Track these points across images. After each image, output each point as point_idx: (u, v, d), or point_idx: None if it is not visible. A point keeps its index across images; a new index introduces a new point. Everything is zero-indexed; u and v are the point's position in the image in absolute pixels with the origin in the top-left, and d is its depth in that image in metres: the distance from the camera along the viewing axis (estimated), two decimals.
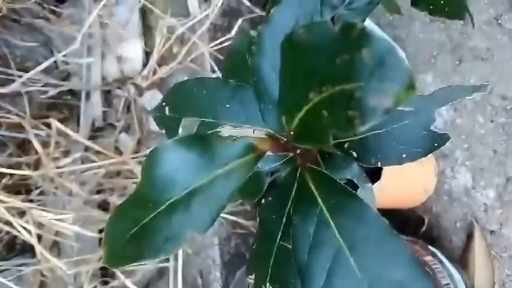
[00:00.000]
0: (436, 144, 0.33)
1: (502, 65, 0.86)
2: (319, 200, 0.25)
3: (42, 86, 0.91)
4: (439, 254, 0.72)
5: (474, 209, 0.82)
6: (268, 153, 0.26)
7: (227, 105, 0.35)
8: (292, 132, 0.22)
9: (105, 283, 0.77)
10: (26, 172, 0.71)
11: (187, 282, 0.82)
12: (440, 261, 0.73)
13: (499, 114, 0.84)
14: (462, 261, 0.78)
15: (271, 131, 0.27)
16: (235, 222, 0.84)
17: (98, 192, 0.88)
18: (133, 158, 0.84)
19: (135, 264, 0.22)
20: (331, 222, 0.25)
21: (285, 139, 0.26)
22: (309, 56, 0.19)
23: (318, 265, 0.25)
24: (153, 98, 0.97)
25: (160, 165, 0.23)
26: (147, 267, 0.81)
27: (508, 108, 0.84)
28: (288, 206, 0.30)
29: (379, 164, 0.34)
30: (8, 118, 0.82)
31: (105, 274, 0.80)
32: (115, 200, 0.84)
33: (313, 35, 0.18)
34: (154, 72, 0.96)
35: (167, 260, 0.80)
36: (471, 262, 0.76)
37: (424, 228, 0.83)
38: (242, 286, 0.72)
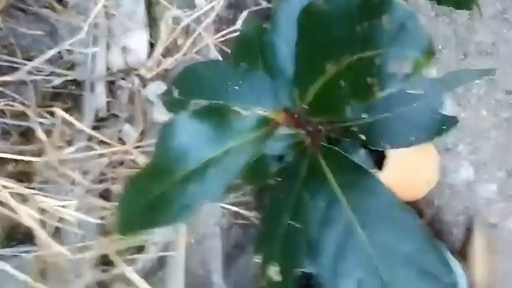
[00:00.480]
0: (444, 127, 0.33)
1: (507, 59, 0.86)
2: (330, 177, 0.26)
3: (46, 76, 0.91)
4: (440, 246, 0.72)
5: (475, 203, 0.82)
6: (280, 129, 0.26)
7: (236, 88, 0.35)
8: (306, 106, 0.23)
9: (106, 271, 0.78)
10: (30, 158, 0.71)
11: (189, 272, 0.82)
12: None
13: (503, 108, 0.84)
14: (463, 253, 0.78)
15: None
16: (237, 213, 0.84)
17: (101, 182, 0.88)
18: (136, 147, 0.84)
19: (146, 229, 0.22)
20: (343, 198, 0.25)
21: (298, 115, 0.26)
22: (327, 26, 0.19)
23: (329, 240, 0.25)
24: (157, 89, 0.97)
25: (176, 136, 0.23)
26: (148, 256, 0.81)
27: None
28: (298, 185, 0.30)
29: (388, 146, 0.34)
30: (12, 106, 0.82)
31: (106, 262, 0.80)
32: (117, 190, 0.84)
33: (332, 4, 0.18)
34: (159, 64, 0.96)
35: (168, 250, 0.80)
36: (472, 254, 0.77)
37: (425, 221, 0.83)
38: (243, 274, 0.72)
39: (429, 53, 0.16)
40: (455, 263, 0.73)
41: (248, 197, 0.88)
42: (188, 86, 0.38)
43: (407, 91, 0.34)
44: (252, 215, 0.86)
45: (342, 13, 0.18)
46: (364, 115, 0.36)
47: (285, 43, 0.27)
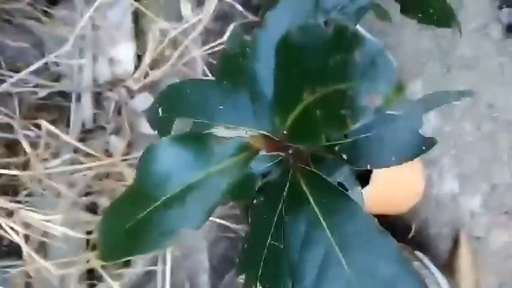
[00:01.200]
0: (423, 148, 0.34)
1: (488, 73, 0.88)
2: (311, 200, 0.26)
3: (32, 87, 0.91)
4: (426, 259, 0.73)
5: (461, 216, 0.83)
6: (261, 153, 0.26)
7: (220, 107, 0.36)
8: (285, 132, 0.23)
9: (92, 286, 0.77)
10: (15, 172, 0.70)
11: (175, 286, 0.81)
12: (427, 267, 0.74)
13: (486, 122, 0.85)
14: (448, 266, 0.79)
15: (265, 132, 0.28)
16: (225, 226, 0.84)
17: (87, 194, 0.87)
18: (123, 160, 0.83)
19: (129, 257, 0.22)
20: (323, 222, 0.25)
21: (278, 139, 0.26)
22: (302, 56, 0.19)
23: (309, 263, 0.25)
24: (144, 101, 0.97)
25: (156, 161, 0.23)
26: (134, 270, 0.80)
27: (494, 116, 0.85)
28: (280, 206, 0.30)
29: (369, 166, 0.35)
30: None
31: (91, 277, 0.79)
32: (104, 203, 0.84)
33: (307, 36, 0.19)
34: (146, 75, 0.96)
35: (155, 263, 0.80)
36: (457, 268, 0.78)
37: (411, 234, 0.84)
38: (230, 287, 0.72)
39: (399, 87, 0.17)
40: (441, 276, 0.74)
41: (236, 210, 0.88)
42: (172, 103, 0.39)
43: (388, 112, 0.34)
44: (239, 228, 0.86)
45: (316, 45, 0.18)
46: (345, 136, 0.36)
47: (265, 67, 0.27)
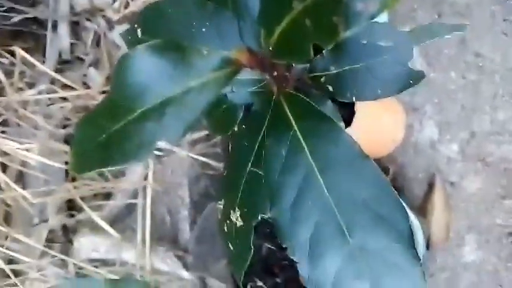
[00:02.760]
0: (411, 81, 0.33)
1: (479, 22, 0.86)
2: (293, 122, 0.25)
3: (5, 12, 0.86)
4: (400, 200, 0.75)
5: (437, 162, 0.85)
6: (243, 76, 0.25)
7: (203, 29, 0.34)
8: (271, 48, 0.22)
9: (71, 216, 0.77)
10: None
11: (156, 220, 0.82)
12: None
13: (471, 70, 0.85)
14: (422, 209, 0.82)
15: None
16: (206, 164, 0.84)
17: (65, 127, 0.85)
18: (102, 92, 0.81)
19: (103, 168, 0.21)
20: (304, 144, 0.25)
21: (262, 56, 0.25)
22: None
23: (288, 186, 0.25)
24: None
25: (133, 71, 0.22)
26: (115, 203, 0.80)
27: (480, 65, 0.85)
28: (262, 134, 0.30)
29: (354, 98, 0.34)
30: None
31: (71, 207, 0.79)
32: None
33: None
34: (126, 6, 0.92)
35: (135, 197, 0.80)
36: (430, 210, 0.80)
37: (388, 178, 0.85)
38: (211, 220, 0.73)
39: None
40: (414, 218, 0.76)
41: (217, 149, 0.87)
42: (152, 25, 0.37)
43: (377, 43, 0.33)
44: (221, 166, 0.86)
45: None
46: (332, 67, 0.35)
47: None
